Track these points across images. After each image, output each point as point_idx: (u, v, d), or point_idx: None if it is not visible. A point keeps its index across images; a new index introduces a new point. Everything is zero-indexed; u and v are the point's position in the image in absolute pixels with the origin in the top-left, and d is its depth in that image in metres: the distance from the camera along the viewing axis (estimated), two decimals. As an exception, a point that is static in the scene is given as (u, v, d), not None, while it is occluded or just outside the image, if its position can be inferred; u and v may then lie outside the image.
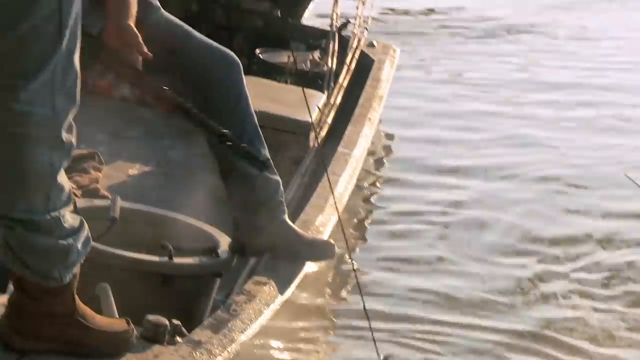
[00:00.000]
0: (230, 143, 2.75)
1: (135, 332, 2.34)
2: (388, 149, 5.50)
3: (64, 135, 2.12)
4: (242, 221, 2.96)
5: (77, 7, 2.07)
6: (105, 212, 2.81)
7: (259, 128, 2.95)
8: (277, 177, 2.95)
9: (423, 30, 8.32)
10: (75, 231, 2.20)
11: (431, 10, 9.07)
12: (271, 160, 2.95)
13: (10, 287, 2.32)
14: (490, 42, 8.13)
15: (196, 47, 2.90)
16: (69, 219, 2.19)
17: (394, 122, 5.67)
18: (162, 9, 2.93)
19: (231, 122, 2.87)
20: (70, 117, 2.13)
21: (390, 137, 5.61)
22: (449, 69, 7.21)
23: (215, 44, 2.91)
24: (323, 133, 4.04)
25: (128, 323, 2.36)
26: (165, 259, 2.74)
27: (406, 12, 8.90)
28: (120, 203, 2.90)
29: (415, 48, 7.59)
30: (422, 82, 6.79)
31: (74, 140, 2.15)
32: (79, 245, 2.21)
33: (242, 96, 2.91)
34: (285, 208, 2.98)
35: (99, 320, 2.33)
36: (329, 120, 4.17)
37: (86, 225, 2.23)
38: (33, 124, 2.08)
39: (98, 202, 2.96)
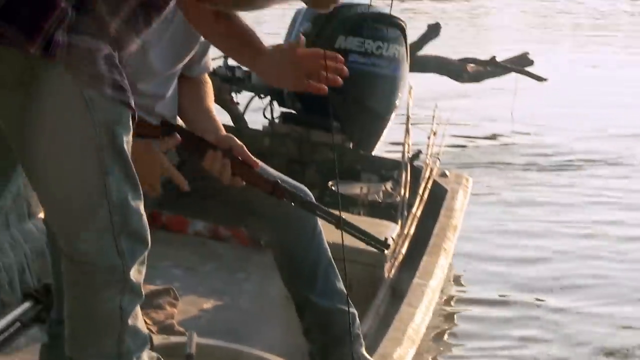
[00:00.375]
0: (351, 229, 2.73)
1: None
2: (463, 269, 5.49)
3: (133, 278, 2.05)
4: (319, 356, 2.92)
5: (120, 155, 2.00)
6: (181, 349, 2.78)
7: (332, 261, 2.93)
8: (353, 310, 2.91)
9: (496, 159, 8.32)
10: None
11: (504, 139, 9.11)
12: (346, 293, 2.92)
13: None
14: (565, 172, 8.07)
15: None
16: (146, 358, 2.14)
17: (469, 241, 5.64)
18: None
19: (306, 255, 2.87)
20: (140, 258, 2.07)
21: (464, 256, 5.57)
22: (523, 195, 7.19)
23: (287, 178, 2.93)
24: (397, 264, 4.01)
25: None
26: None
27: (479, 141, 8.96)
28: (196, 339, 2.88)
29: (489, 177, 7.60)
30: (496, 206, 6.79)
31: (142, 278, 2.08)
32: None
33: (317, 229, 2.91)
34: (363, 341, 2.94)
35: None
36: (403, 250, 4.14)
37: None
38: (97, 272, 2.03)
39: (174, 339, 2.94)
